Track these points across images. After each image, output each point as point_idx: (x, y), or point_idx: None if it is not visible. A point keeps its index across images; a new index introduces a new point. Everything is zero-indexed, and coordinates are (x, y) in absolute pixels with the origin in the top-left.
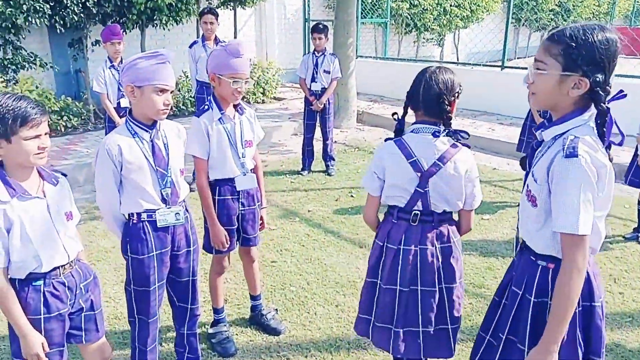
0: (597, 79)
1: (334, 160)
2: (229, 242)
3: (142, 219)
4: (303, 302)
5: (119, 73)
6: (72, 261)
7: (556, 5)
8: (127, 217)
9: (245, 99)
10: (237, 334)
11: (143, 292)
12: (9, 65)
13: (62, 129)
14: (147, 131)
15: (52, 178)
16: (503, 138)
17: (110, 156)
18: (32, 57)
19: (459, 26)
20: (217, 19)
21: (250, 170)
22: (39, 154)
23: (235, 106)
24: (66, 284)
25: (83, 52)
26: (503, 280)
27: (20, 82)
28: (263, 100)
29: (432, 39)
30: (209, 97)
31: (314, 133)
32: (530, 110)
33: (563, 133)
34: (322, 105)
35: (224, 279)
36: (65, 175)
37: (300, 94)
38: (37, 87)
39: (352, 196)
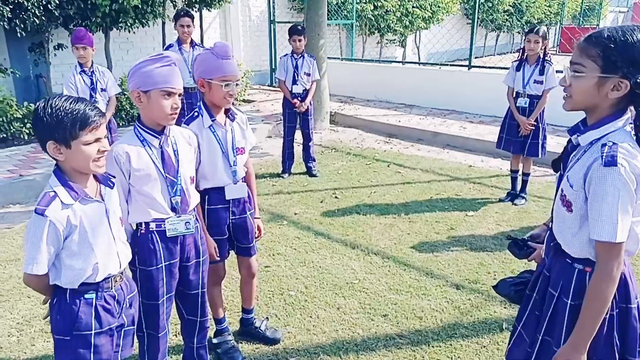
0: (639, 80)
1: (315, 161)
2: (218, 253)
3: (150, 229)
4: (304, 306)
5: (90, 78)
6: (122, 271)
7: (510, 6)
8: (135, 227)
9: None
10: (241, 343)
11: (152, 306)
12: None
13: (26, 137)
14: (156, 137)
15: (108, 181)
16: (474, 136)
17: (119, 164)
18: None
19: (420, 27)
20: (193, 22)
21: (242, 178)
22: (98, 159)
23: (226, 112)
24: (116, 297)
25: (44, 56)
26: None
27: None
28: (233, 102)
29: (395, 40)
30: (198, 103)
31: (295, 135)
32: (509, 108)
33: (600, 138)
34: (306, 107)
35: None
36: (114, 177)
37: (269, 95)
38: None
39: (336, 197)
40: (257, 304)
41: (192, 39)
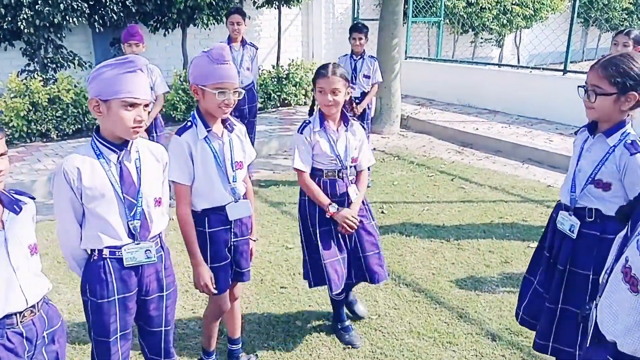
0: None
1: (369, 170)
2: (215, 284)
3: (103, 256)
4: (307, 340)
5: None
6: (33, 306)
7: (630, 3)
8: (88, 253)
9: (286, 101)
10: None
11: (102, 342)
12: (49, 65)
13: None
14: (114, 152)
15: (14, 204)
16: (562, 151)
17: (68, 182)
18: (71, 56)
19: (520, 26)
20: (244, 19)
21: (242, 195)
22: None
23: (223, 122)
24: (24, 334)
25: (122, 51)
26: None
27: (59, 81)
28: (305, 102)
29: (491, 39)
30: (192, 112)
31: None
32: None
33: None
34: (361, 111)
35: None
36: (33, 198)
37: None
38: (75, 87)
39: (382, 212)
40: (258, 330)
41: (243, 38)
